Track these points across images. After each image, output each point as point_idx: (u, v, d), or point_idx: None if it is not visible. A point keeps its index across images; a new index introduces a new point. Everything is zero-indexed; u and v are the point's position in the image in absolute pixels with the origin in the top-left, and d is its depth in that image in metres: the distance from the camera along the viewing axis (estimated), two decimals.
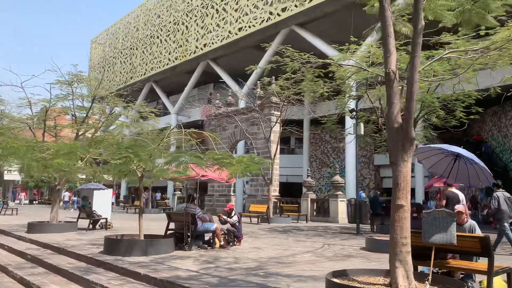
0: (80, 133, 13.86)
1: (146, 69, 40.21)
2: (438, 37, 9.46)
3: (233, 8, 30.35)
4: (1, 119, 16.92)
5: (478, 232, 5.75)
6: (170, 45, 37.28)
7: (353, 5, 21.32)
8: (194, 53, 33.91)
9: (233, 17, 30.22)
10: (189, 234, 9.23)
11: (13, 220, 18.11)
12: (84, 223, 14.15)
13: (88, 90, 14.89)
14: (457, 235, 4.80)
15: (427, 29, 5.42)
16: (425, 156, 6.86)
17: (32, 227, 12.57)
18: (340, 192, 20.51)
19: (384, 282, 4.70)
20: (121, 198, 40.13)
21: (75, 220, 14.60)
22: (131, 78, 41.95)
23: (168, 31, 37.77)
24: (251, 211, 19.99)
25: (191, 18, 35.01)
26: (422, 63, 7.37)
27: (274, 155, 20.86)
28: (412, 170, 22.61)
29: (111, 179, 19.71)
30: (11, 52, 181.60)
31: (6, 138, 9.60)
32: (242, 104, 26.65)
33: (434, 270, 5.11)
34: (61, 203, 26.89)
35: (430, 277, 4.53)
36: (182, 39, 35.62)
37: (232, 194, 25.78)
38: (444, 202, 9.23)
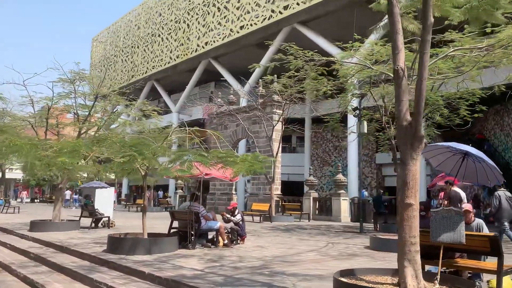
0: (82, 132, 13.83)
1: (147, 68, 40.16)
2: (442, 35, 9.41)
3: (234, 6, 30.29)
4: (2, 118, 16.91)
5: (486, 231, 5.70)
6: (171, 43, 37.22)
7: (355, 3, 21.33)
8: (196, 51, 33.86)
9: (235, 15, 30.15)
10: (192, 232, 9.20)
11: (15, 219, 18.11)
12: (86, 221, 14.13)
13: (90, 88, 14.86)
14: (466, 234, 4.76)
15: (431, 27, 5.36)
16: (432, 155, 6.81)
17: (35, 225, 12.55)
18: (342, 191, 20.48)
19: (392, 282, 4.66)
20: (123, 197, 40.16)
21: (77, 218, 14.58)
22: (133, 76, 41.91)
23: (170, 29, 37.71)
24: (253, 209, 19.95)
25: (192, 16, 34.95)
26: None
27: (276, 154, 20.82)
28: None
29: (113, 177, 19.72)
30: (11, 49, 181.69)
31: (10, 136, 9.57)
32: (243, 103, 26.60)
33: (441, 270, 5.07)
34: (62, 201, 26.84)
35: (438, 277, 4.49)
36: (183, 38, 35.57)
37: (233, 192, 25.75)
38: (446, 201, 9.20)
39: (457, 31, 9.47)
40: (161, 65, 38.23)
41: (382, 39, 11.43)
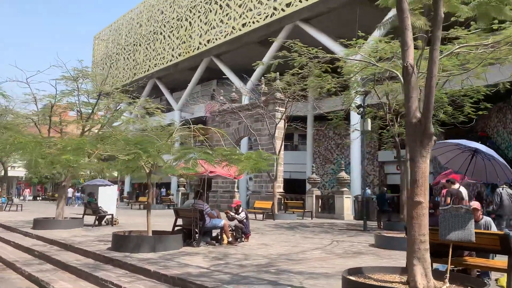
0: (85, 129, 13.80)
1: (149, 66, 40.11)
2: (447, 32, 9.34)
3: (236, 4, 30.20)
4: (4, 115, 16.89)
5: (494, 229, 5.67)
6: (173, 41, 37.15)
7: (356, 0, 21.27)
8: (198, 49, 33.79)
9: (237, 12, 30.06)
10: (197, 230, 9.18)
11: (18, 216, 18.13)
12: (89, 219, 14.12)
13: (93, 86, 14.82)
14: (475, 232, 4.71)
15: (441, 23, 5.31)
16: (440, 152, 6.75)
17: (38, 223, 12.54)
18: (345, 189, 20.43)
19: (401, 280, 4.63)
20: (125, 194, 40.18)
21: (81, 216, 14.57)
22: (135, 74, 41.87)
23: (172, 27, 37.63)
24: (256, 207, 19.92)
25: (194, 14, 34.86)
26: None
27: (279, 152, 20.78)
28: None
29: (116, 175, 19.68)
30: (12, 48, 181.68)
31: (14, 134, 9.54)
32: (246, 100, 26.54)
33: (450, 268, 5.03)
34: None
35: (448, 275, 4.45)
36: (185, 35, 35.49)
37: (236, 190, 25.72)
38: (448, 199, 9.14)
39: (462, 27, 9.41)
40: (163, 63, 38.17)
41: (386, 36, 11.38)
